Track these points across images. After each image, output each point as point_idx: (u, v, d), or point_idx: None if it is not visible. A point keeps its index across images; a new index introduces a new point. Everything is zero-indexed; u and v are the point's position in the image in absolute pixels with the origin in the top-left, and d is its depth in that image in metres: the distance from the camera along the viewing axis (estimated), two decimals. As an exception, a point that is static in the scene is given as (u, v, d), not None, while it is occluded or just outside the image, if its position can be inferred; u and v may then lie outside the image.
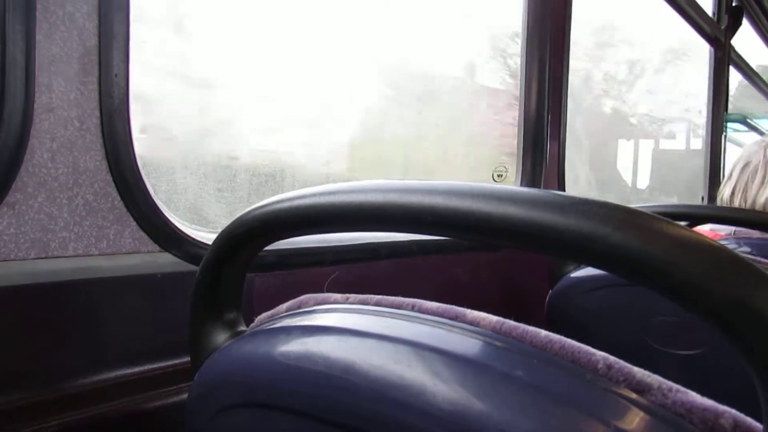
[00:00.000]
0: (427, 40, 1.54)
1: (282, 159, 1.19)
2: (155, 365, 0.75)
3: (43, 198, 0.65)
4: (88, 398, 0.68)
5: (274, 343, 0.43)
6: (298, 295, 0.51)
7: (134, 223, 0.73)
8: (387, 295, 0.45)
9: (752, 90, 3.81)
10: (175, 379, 0.75)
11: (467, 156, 1.74)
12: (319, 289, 0.50)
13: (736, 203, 1.68)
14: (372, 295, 0.44)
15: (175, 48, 0.99)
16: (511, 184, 1.57)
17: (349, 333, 0.39)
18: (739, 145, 3.80)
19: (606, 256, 0.28)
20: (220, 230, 0.50)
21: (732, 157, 3.02)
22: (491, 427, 0.30)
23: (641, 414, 0.30)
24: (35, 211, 0.65)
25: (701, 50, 2.73)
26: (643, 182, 3.85)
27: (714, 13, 2.92)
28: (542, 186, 1.52)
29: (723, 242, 1.56)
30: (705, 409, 0.30)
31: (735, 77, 3.32)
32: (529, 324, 0.37)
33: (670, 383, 0.31)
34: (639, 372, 0.32)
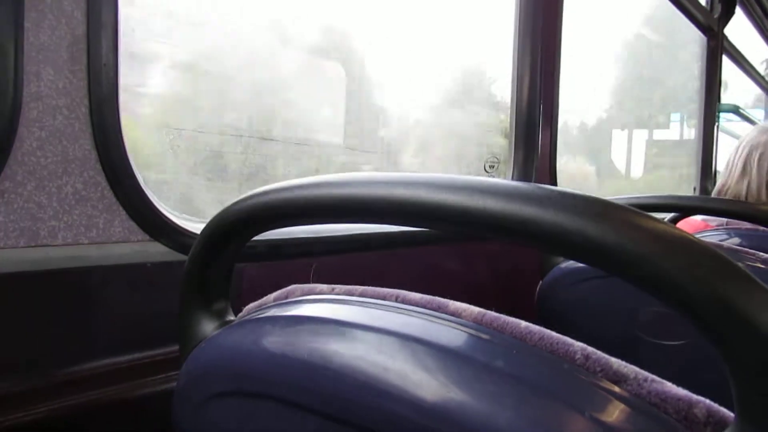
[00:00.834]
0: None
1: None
2: (144, 354, 0.76)
3: (32, 186, 0.65)
4: (77, 386, 0.69)
5: (261, 332, 0.44)
6: (286, 285, 0.51)
7: (124, 212, 0.73)
8: (376, 285, 0.45)
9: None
10: (164, 367, 0.76)
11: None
12: (308, 280, 0.51)
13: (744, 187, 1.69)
14: (357, 286, 0.45)
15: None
16: (503, 175, 1.57)
17: (334, 323, 0.39)
18: (735, 136, 3.81)
19: (582, 248, 0.28)
20: (209, 220, 0.50)
21: (724, 147, 3.03)
22: (471, 416, 0.31)
23: (617, 403, 0.31)
24: (24, 199, 0.65)
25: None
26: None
27: (707, 2, 2.92)
28: (534, 178, 1.53)
29: (713, 233, 1.57)
30: (679, 399, 0.31)
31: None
32: (520, 315, 0.37)
33: (646, 373, 0.32)
34: (616, 362, 0.32)
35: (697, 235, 0.40)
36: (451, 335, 0.35)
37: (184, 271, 0.52)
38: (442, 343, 0.35)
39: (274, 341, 0.42)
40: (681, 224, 1.53)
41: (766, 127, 1.75)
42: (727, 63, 3.19)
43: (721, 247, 1.16)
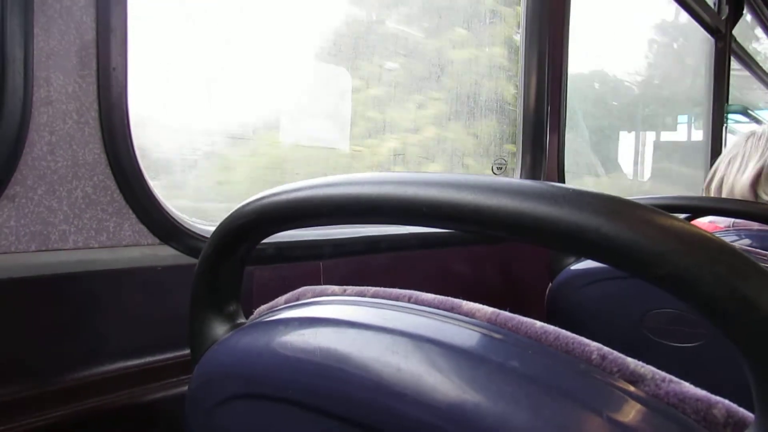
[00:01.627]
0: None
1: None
2: (155, 357, 0.76)
3: (42, 191, 0.66)
4: (89, 390, 0.69)
5: (272, 334, 0.43)
6: (297, 288, 0.51)
7: (134, 216, 0.74)
8: (385, 287, 0.45)
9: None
10: (175, 371, 0.76)
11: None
12: (318, 282, 0.51)
13: (723, 194, 1.71)
14: (369, 287, 0.45)
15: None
16: (511, 176, 1.57)
17: (346, 324, 0.39)
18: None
19: (598, 247, 0.28)
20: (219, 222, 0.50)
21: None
22: (486, 418, 0.31)
23: (634, 404, 0.30)
24: (35, 203, 0.65)
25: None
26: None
27: (714, 4, 2.90)
28: (543, 179, 1.53)
29: (722, 234, 1.56)
30: (698, 400, 0.30)
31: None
32: (529, 316, 0.37)
33: (664, 374, 0.32)
34: (632, 363, 0.32)
35: None
36: (465, 336, 0.35)
37: (194, 273, 0.52)
38: (456, 344, 0.34)
39: (286, 343, 0.42)
40: (689, 225, 1.52)
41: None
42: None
43: (733, 247, 1.15)
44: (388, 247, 1.11)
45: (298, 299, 0.49)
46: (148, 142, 0.86)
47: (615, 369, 0.32)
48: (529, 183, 0.31)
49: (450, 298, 0.39)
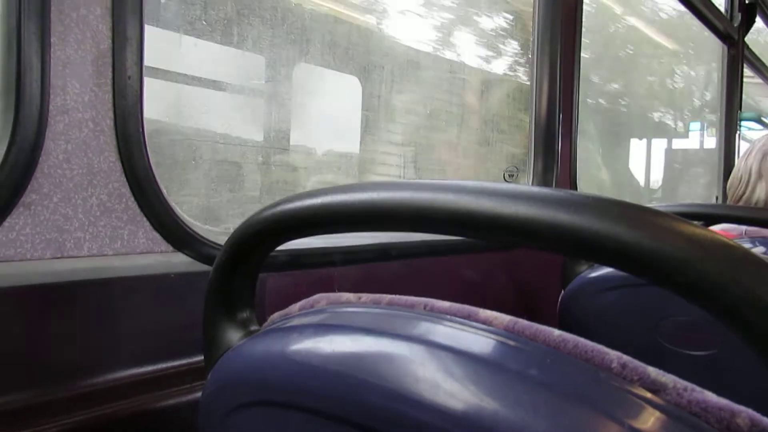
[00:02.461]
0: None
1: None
2: (168, 364, 0.76)
3: (58, 198, 0.66)
4: (102, 396, 0.69)
5: (287, 342, 0.43)
6: (310, 295, 0.51)
7: (147, 224, 0.74)
8: (397, 295, 0.45)
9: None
10: (188, 378, 0.76)
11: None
12: (330, 289, 0.51)
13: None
14: (384, 295, 0.44)
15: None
16: (523, 184, 1.56)
17: (363, 332, 0.39)
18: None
19: (619, 255, 0.28)
20: (233, 230, 0.50)
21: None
22: (505, 426, 0.30)
23: (657, 413, 0.30)
24: (50, 211, 0.66)
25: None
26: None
27: (727, 11, 2.89)
28: (554, 186, 1.52)
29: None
30: (721, 409, 0.30)
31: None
32: (541, 324, 0.37)
33: (685, 382, 0.31)
34: (653, 371, 0.32)
35: None
36: (483, 343, 0.35)
37: (209, 280, 0.52)
38: (473, 352, 0.34)
39: (301, 350, 0.42)
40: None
41: None
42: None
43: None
44: (399, 255, 1.10)
45: (312, 306, 0.49)
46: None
47: (636, 377, 0.31)
48: (548, 191, 0.30)
49: (466, 306, 0.39)
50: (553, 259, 1.20)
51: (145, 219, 0.74)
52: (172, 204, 0.77)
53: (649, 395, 0.31)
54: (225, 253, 0.50)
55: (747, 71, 3.14)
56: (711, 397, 0.30)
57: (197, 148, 1.12)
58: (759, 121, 3.31)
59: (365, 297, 0.46)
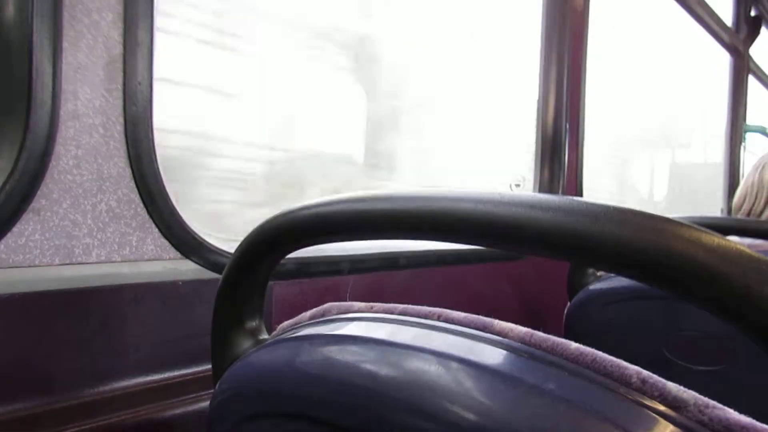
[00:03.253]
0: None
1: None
2: (176, 373, 0.75)
3: (67, 204, 0.66)
4: (109, 405, 0.69)
5: (298, 351, 0.43)
6: (317, 304, 0.51)
7: (156, 230, 0.74)
8: (405, 303, 0.44)
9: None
10: (196, 387, 0.75)
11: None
12: (337, 298, 0.50)
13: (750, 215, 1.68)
14: (397, 305, 0.44)
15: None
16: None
17: (375, 342, 0.39)
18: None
19: (643, 267, 0.27)
20: (241, 238, 0.50)
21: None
22: None
23: (678, 431, 0.29)
24: (60, 217, 0.65)
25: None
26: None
27: (733, 23, 2.89)
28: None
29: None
30: (743, 427, 0.29)
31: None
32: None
33: (706, 399, 0.31)
34: (674, 387, 0.31)
35: None
36: (499, 356, 0.34)
37: (218, 289, 0.52)
38: (489, 364, 0.34)
39: (312, 360, 0.41)
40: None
41: None
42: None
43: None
44: (407, 264, 1.10)
45: (323, 315, 0.48)
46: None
47: (656, 393, 0.31)
48: (569, 200, 0.30)
49: (481, 317, 0.39)
50: (560, 271, 1.19)
51: (154, 226, 0.73)
52: (181, 211, 0.77)
53: (670, 412, 0.30)
54: (235, 261, 0.50)
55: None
56: (732, 414, 0.30)
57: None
58: (765, 133, 3.30)
59: (377, 306, 0.45)
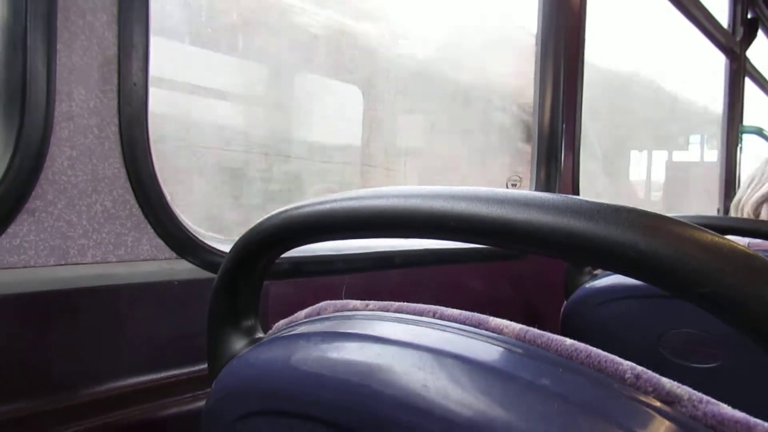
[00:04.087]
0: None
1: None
2: (171, 372, 0.75)
3: (62, 205, 0.66)
4: (105, 405, 0.68)
5: (293, 349, 0.43)
6: (313, 303, 0.51)
7: (152, 231, 0.74)
8: (405, 303, 0.45)
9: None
10: (192, 386, 0.75)
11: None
12: (332, 297, 0.50)
13: (738, 212, 1.71)
14: (392, 302, 0.44)
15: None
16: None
17: (371, 340, 0.39)
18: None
19: (637, 264, 0.27)
20: (236, 238, 0.50)
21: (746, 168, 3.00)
22: None
23: (672, 426, 0.29)
24: (55, 218, 0.65)
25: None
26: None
27: (729, 25, 2.90)
28: None
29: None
30: (737, 422, 0.29)
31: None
32: None
33: (700, 395, 0.31)
34: (668, 382, 0.31)
35: None
36: (494, 352, 0.34)
37: (213, 288, 0.51)
38: (484, 360, 0.34)
39: (307, 358, 0.41)
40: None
41: None
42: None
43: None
44: (402, 263, 1.10)
45: (318, 314, 0.48)
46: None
47: (650, 389, 0.31)
48: (564, 198, 0.30)
49: (476, 314, 0.39)
50: (556, 269, 1.19)
51: (149, 226, 0.73)
52: (176, 211, 0.77)
53: (664, 407, 0.30)
54: (230, 261, 0.50)
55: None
56: (727, 409, 0.30)
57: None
58: (761, 134, 3.31)
59: (372, 304, 0.45)
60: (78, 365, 0.68)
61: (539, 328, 0.36)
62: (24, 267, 0.63)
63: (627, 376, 0.32)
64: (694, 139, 3.85)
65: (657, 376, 0.32)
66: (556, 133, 1.51)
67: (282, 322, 0.52)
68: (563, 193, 1.51)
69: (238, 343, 0.51)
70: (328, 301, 0.49)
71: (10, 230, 0.62)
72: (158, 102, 0.83)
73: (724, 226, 1.28)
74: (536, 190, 1.52)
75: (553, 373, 0.32)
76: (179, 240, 0.76)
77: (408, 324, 0.39)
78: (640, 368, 0.32)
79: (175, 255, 0.76)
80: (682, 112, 3.47)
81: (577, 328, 1.17)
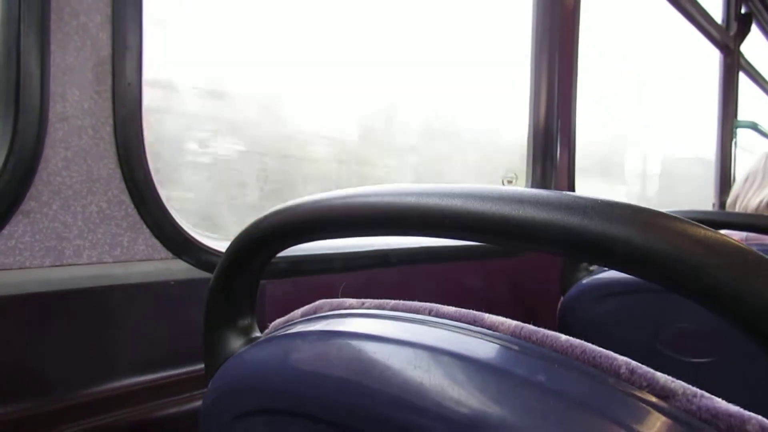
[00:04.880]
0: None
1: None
2: (168, 372, 0.75)
3: (57, 206, 0.66)
4: (101, 406, 0.68)
5: (290, 348, 0.43)
6: (309, 302, 0.51)
7: (147, 231, 0.74)
8: (401, 301, 0.45)
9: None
10: (188, 386, 0.75)
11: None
12: (329, 295, 0.50)
13: (737, 210, 1.71)
14: (388, 300, 0.44)
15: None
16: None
17: (367, 338, 0.39)
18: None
19: (631, 259, 0.27)
20: (232, 237, 0.50)
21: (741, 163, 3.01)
22: None
23: (666, 420, 0.29)
24: (50, 219, 0.65)
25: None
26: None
27: (723, 20, 2.91)
28: None
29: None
30: (731, 415, 0.29)
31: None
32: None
33: (695, 389, 0.31)
34: (662, 377, 0.31)
35: None
36: (489, 349, 0.35)
37: (209, 287, 0.51)
38: (480, 357, 0.34)
39: (304, 357, 0.41)
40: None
41: None
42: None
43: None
44: (399, 261, 1.10)
45: (314, 312, 0.49)
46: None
47: (645, 383, 0.31)
48: (557, 194, 0.30)
49: (471, 311, 0.39)
50: (552, 266, 1.20)
51: (144, 226, 0.73)
52: (172, 211, 0.77)
53: (658, 401, 0.30)
54: (226, 260, 0.50)
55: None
56: (721, 403, 0.30)
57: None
58: (755, 128, 3.32)
59: (369, 302, 0.45)
60: (74, 366, 0.68)
61: (536, 324, 0.37)
62: (20, 268, 0.63)
63: (622, 371, 0.32)
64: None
65: (651, 371, 0.32)
66: (551, 131, 1.51)
67: (278, 321, 0.52)
68: (559, 190, 1.52)
69: (235, 343, 0.51)
70: (324, 300, 0.49)
71: (5, 231, 0.62)
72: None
73: (720, 220, 1.29)
74: (532, 187, 1.52)
75: (548, 369, 0.32)
76: (175, 240, 0.76)
77: (403, 322, 0.39)
78: (634, 363, 0.32)
79: (171, 255, 0.76)
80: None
81: (574, 324, 1.17)
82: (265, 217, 0.46)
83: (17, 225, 0.63)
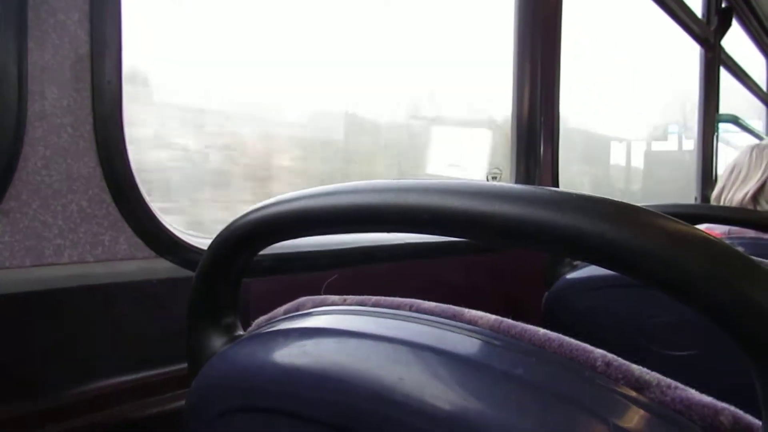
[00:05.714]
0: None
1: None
2: (151, 372, 0.75)
3: (37, 205, 0.65)
4: (84, 407, 0.68)
5: (272, 346, 0.43)
6: (294, 299, 0.51)
7: (129, 229, 0.73)
8: (383, 297, 0.45)
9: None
10: (172, 385, 0.75)
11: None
12: (315, 293, 0.50)
13: (722, 203, 1.73)
14: (370, 297, 0.44)
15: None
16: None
17: (347, 334, 0.39)
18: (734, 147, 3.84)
19: (602, 252, 0.28)
20: (215, 235, 0.49)
21: (724, 157, 3.05)
22: (491, 427, 0.30)
23: (640, 411, 0.30)
24: (29, 218, 0.65)
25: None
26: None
27: (703, 15, 2.94)
28: None
29: (717, 242, 1.57)
30: (704, 406, 0.30)
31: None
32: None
33: (669, 380, 0.31)
34: (637, 369, 0.32)
35: None
36: (468, 344, 0.35)
37: (192, 286, 0.51)
38: (459, 352, 0.34)
39: (286, 354, 0.41)
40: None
41: None
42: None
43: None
44: (384, 257, 1.10)
45: (297, 310, 0.49)
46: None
47: (620, 376, 0.31)
48: (531, 189, 0.31)
49: (452, 306, 0.39)
50: (537, 261, 1.20)
51: (126, 225, 0.73)
52: (154, 209, 0.76)
53: (633, 393, 0.31)
54: (208, 258, 0.50)
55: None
56: (694, 394, 0.31)
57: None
58: (736, 123, 3.36)
59: (350, 299, 0.45)
60: (56, 367, 0.67)
61: (522, 319, 0.37)
62: (0, 268, 0.62)
63: (598, 364, 0.32)
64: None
65: (627, 363, 0.32)
66: (535, 127, 1.52)
67: (261, 318, 0.52)
68: (543, 185, 1.53)
69: (218, 341, 0.51)
70: (307, 297, 0.49)
71: None
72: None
73: (703, 214, 1.31)
74: (516, 183, 1.53)
75: (526, 362, 0.33)
76: (158, 238, 0.76)
77: (384, 318, 0.40)
78: (610, 356, 0.33)
79: (153, 254, 0.76)
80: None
81: (559, 318, 1.18)
82: (244, 216, 0.46)
83: None
